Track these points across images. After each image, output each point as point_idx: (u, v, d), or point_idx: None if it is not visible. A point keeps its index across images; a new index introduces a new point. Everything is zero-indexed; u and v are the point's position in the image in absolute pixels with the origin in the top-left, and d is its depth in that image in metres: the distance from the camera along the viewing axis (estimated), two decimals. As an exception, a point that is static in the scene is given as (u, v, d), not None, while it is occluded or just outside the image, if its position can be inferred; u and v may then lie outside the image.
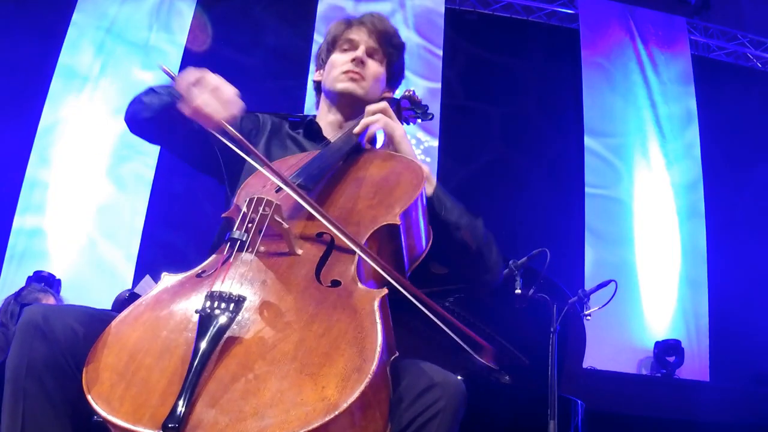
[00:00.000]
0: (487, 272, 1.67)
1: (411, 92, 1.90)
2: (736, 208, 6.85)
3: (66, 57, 6.06)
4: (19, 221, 5.67)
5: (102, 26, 6.26)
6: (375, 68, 1.81)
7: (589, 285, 2.57)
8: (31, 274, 4.90)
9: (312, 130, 1.81)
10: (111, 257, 5.77)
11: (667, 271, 6.44)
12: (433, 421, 1.14)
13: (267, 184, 1.46)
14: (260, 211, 1.23)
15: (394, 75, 1.89)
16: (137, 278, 5.39)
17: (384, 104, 1.68)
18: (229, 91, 1.39)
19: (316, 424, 0.96)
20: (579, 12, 7.19)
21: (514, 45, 7.24)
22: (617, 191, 6.68)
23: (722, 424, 4.11)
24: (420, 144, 6.47)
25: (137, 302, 1.19)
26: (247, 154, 1.35)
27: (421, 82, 6.63)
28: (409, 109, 1.88)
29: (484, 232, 1.64)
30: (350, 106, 1.80)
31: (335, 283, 1.21)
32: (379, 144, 1.67)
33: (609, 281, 2.45)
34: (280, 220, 1.24)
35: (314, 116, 1.87)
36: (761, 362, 5.84)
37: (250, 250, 1.23)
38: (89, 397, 1.02)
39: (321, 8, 6.57)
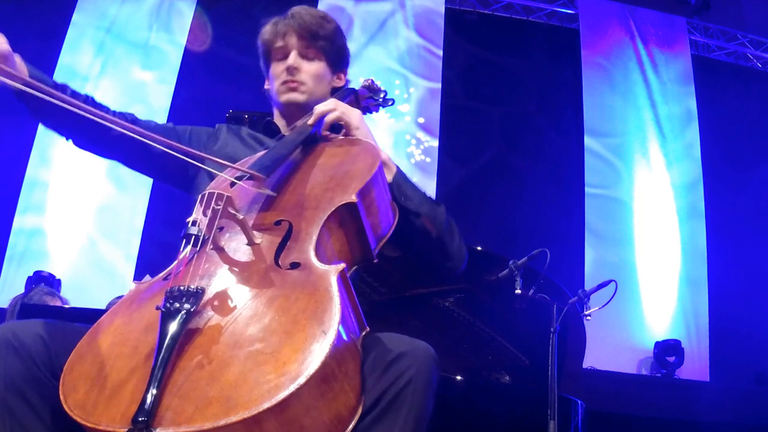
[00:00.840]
0: (448, 259, 1.67)
1: (369, 81, 1.89)
2: (736, 208, 6.85)
3: (66, 57, 6.06)
4: (19, 221, 5.68)
5: (102, 26, 6.26)
6: (311, 68, 1.77)
7: (589, 285, 2.57)
8: (31, 274, 4.90)
9: (270, 129, 1.82)
10: (111, 257, 5.77)
11: (667, 271, 6.44)
12: (407, 389, 1.15)
13: (223, 181, 1.47)
14: (212, 206, 1.24)
15: (335, 62, 1.83)
16: (137, 278, 5.37)
17: (332, 99, 1.66)
18: None
19: (280, 398, 0.98)
20: (579, 12, 7.19)
21: (514, 45, 7.24)
22: (617, 191, 6.68)
23: (722, 424, 4.11)
24: (420, 144, 6.48)
25: (110, 311, 1.23)
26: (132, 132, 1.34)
27: (421, 82, 6.63)
28: (368, 98, 1.88)
29: (446, 219, 1.65)
30: (299, 111, 1.78)
31: (294, 265, 1.24)
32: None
33: (609, 281, 2.45)
34: (234, 212, 1.24)
35: (272, 117, 1.88)
36: (761, 362, 5.84)
37: (209, 245, 1.25)
38: (66, 407, 1.05)
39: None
